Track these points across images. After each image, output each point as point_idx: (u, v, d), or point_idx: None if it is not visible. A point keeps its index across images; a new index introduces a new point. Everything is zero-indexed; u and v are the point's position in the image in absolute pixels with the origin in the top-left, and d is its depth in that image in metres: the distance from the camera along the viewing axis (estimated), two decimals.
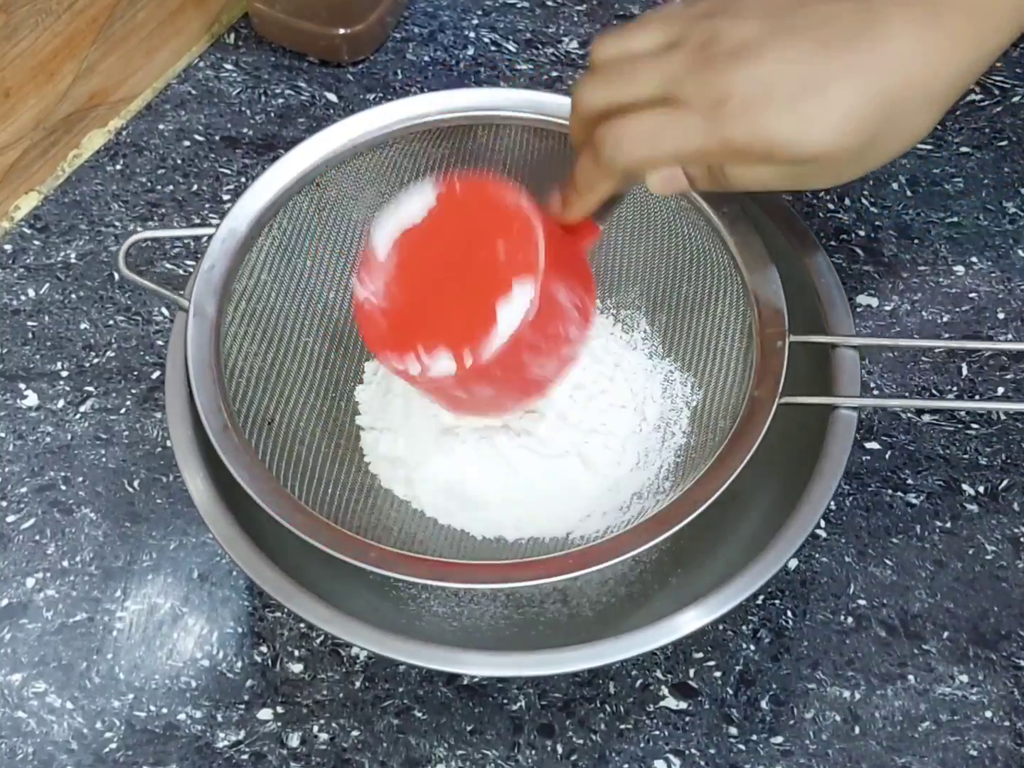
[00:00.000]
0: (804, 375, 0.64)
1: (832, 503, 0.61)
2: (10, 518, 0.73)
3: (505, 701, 0.67)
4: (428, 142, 0.71)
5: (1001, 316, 0.79)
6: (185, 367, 0.62)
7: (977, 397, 0.76)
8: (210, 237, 0.65)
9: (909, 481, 0.74)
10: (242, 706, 0.67)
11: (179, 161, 0.87)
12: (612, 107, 0.56)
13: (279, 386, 0.68)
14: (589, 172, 0.58)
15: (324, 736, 0.67)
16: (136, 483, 0.74)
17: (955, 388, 0.77)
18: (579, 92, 0.58)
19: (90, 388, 0.78)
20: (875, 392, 0.76)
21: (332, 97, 0.90)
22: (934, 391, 0.76)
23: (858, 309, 0.79)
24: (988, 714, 0.67)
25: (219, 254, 0.65)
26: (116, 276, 0.82)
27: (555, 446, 0.69)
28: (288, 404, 0.68)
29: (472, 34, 0.93)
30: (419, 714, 0.67)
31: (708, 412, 0.67)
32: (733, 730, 0.67)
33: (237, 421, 0.62)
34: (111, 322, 0.80)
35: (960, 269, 0.81)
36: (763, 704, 0.67)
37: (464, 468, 0.69)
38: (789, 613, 0.70)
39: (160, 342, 0.79)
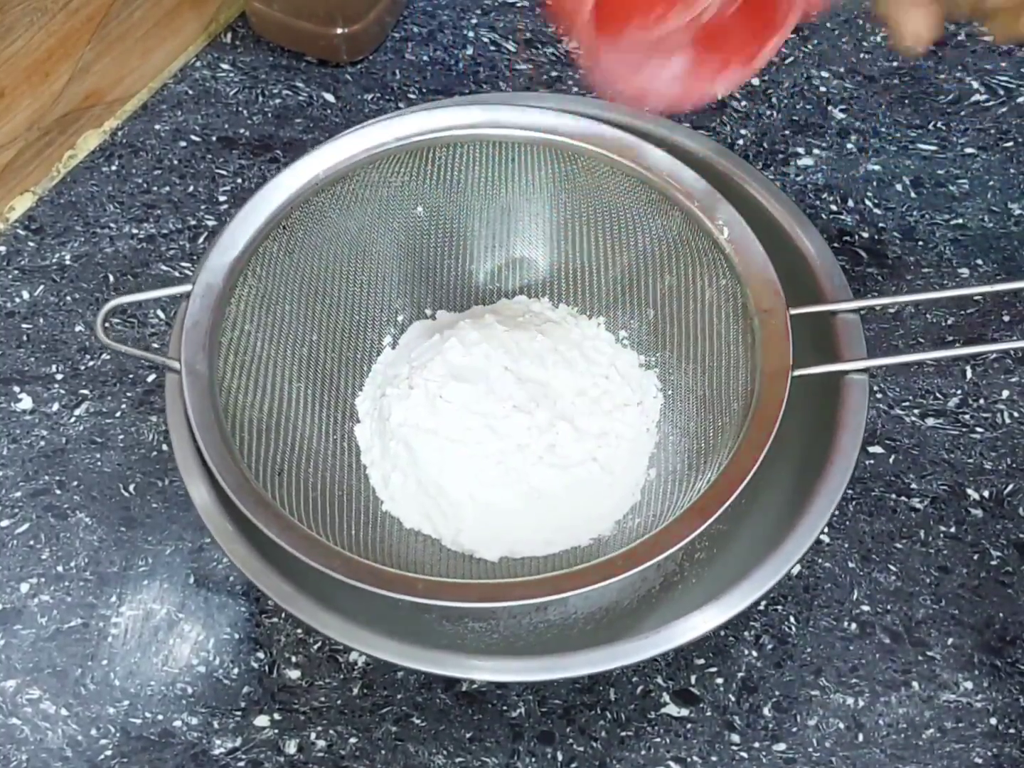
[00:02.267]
0: (807, 349, 0.64)
1: (835, 508, 0.61)
2: (4, 523, 0.73)
3: (505, 708, 0.67)
4: (386, 170, 0.70)
5: (1006, 319, 0.79)
6: (190, 430, 0.62)
7: (982, 400, 0.76)
8: (188, 295, 0.65)
9: (913, 486, 0.73)
10: (239, 713, 0.67)
11: (175, 162, 0.87)
12: None
13: (281, 435, 0.68)
14: None
15: (322, 743, 0.66)
16: (132, 487, 0.74)
17: (959, 391, 0.76)
18: None
19: (85, 391, 0.78)
20: (879, 395, 0.76)
21: (330, 97, 0.90)
22: (938, 394, 0.76)
23: (862, 312, 0.78)
24: (993, 721, 0.66)
25: (200, 310, 0.64)
26: (111, 278, 0.82)
27: (573, 456, 0.70)
28: (294, 452, 0.68)
29: (471, 33, 0.93)
30: (418, 721, 0.67)
31: (717, 398, 0.67)
32: (735, 737, 0.66)
33: (250, 475, 0.61)
34: (106, 324, 0.79)
35: (965, 271, 0.81)
36: (765, 711, 0.67)
37: (483, 497, 0.69)
38: (792, 619, 0.70)
39: (156, 345, 0.79)
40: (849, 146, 0.87)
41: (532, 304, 0.77)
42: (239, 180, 0.86)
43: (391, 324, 0.77)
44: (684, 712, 0.67)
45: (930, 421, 0.76)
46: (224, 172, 0.87)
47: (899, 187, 0.85)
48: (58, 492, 0.74)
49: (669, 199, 0.68)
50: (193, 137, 0.88)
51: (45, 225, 0.84)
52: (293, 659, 0.69)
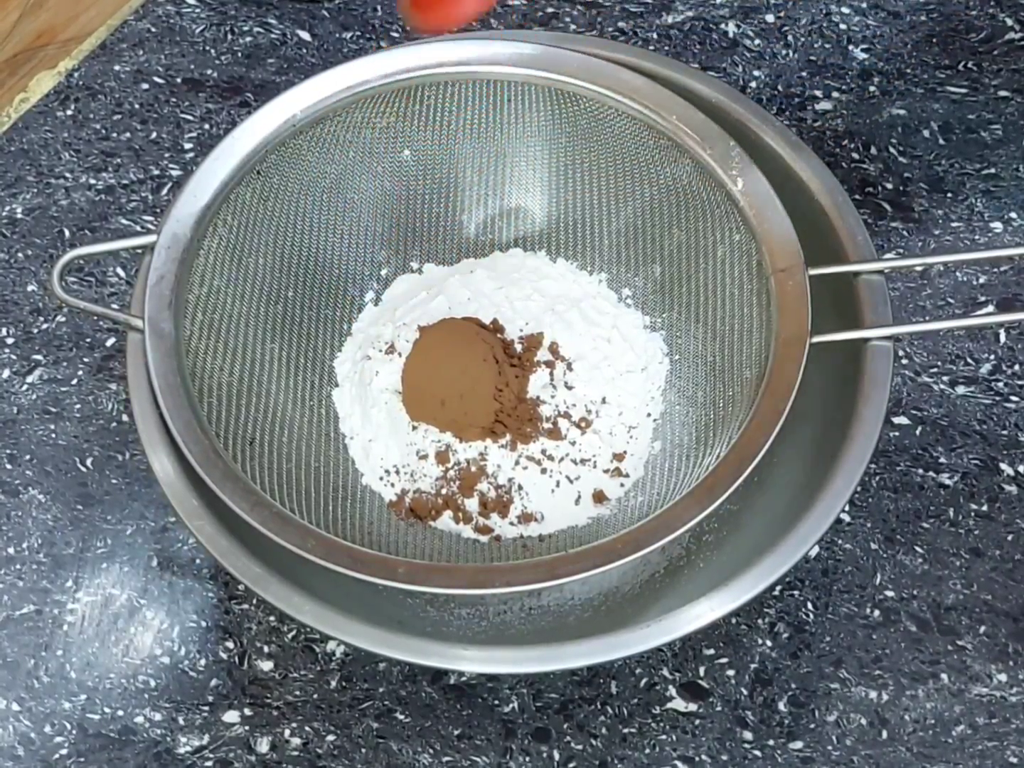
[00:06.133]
0: (827, 313, 0.63)
1: (856, 485, 0.61)
2: None
3: (496, 702, 0.66)
4: (370, 110, 0.70)
5: None
6: (153, 396, 0.61)
7: (1017, 367, 0.75)
8: (152, 246, 0.64)
9: (942, 460, 0.72)
10: (206, 708, 0.67)
11: (136, 106, 0.86)
12: None
13: (252, 401, 0.67)
14: None
15: (296, 741, 0.66)
16: (89, 461, 0.73)
17: (992, 357, 0.75)
18: None
19: (38, 356, 0.77)
20: (904, 361, 0.75)
21: (305, 36, 0.89)
22: (969, 360, 0.75)
23: (886, 272, 0.78)
24: None
25: (165, 263, 0.63)
26: (67, 233, 0.81)
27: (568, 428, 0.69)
28: (266, 419, 0.67)
29: None
30: (401, 717, 0.66)
31: (728, 365, 0.66)
32: (748, 735, 0.66)
33: (218, 445, 0.60)
34: (63, 280, 0.79)
35: (998, 226, 0.80)
36: (781, 706, 0.66)
37: None
38: (809, 605, 0.69)
39: (116, 305, 0.77)
40: (872, 89, 0.86)
41: (528, 258, 0.76)
42: (206, 126, 0.85)
43: (374, 279, 0.76)
44: (692, 707, 0.66)
45: (960, 389, 0.75)
46: (190, 117, 0.86)
47: (926, 133, 0.84)
48: (9, 467, 0.73)
49: (678, 146, 0.67)
50: (156, 79, 0.87)
51: None
52: (265, 649, 0.68)
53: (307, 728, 0.66)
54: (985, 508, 0.71)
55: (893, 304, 0.65)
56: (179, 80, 0.87)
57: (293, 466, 0.66)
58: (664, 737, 0.66)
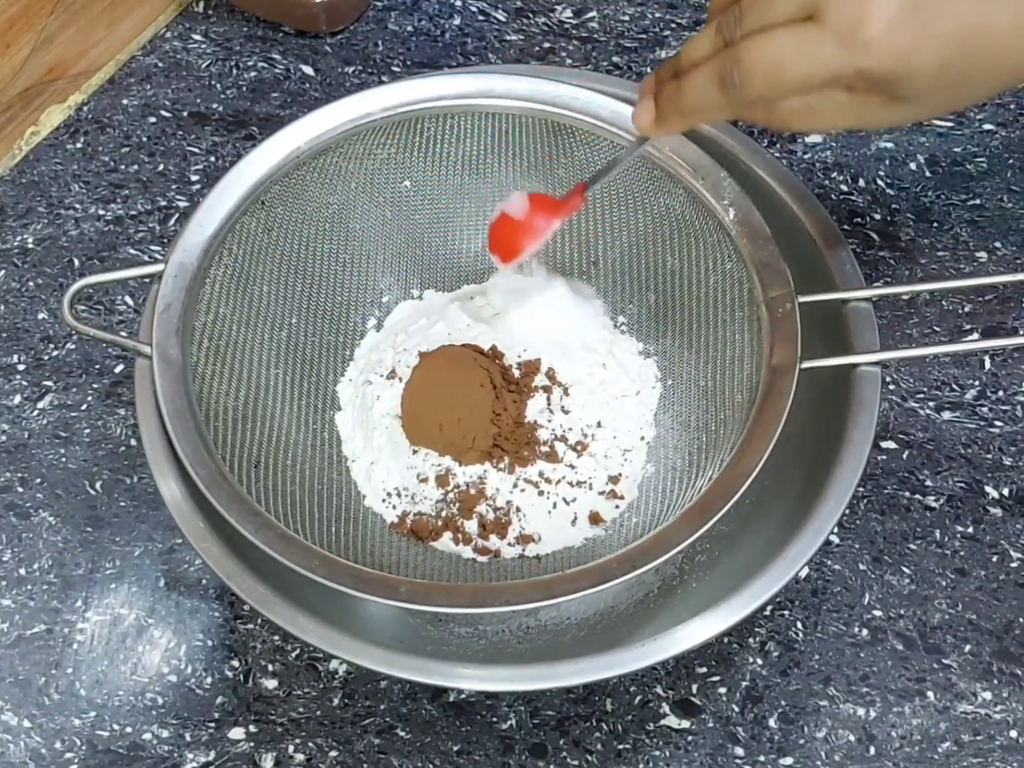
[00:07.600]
0: (816, 339, 0.64)
1: (845, 507, 0.61)
2: None
3: (494, 719, 0.67)
4: (372, 142, 0.70)
5: None
6: (160, 420, 0.61)
7: (1001, 392, 0.75)
8: (160, 275, 0.64)
9: (928, 483, 0.73)
10: (212, 725, 0.67)
11: (144, 139, 0.87)
12: (748, 27, 0.52)
13: (258, 425, 0.67)
14: (706, 93, 0.53)
15: (300, 757, 0.66)
16: (98, 485, 0.74)
17: (977, 383, 0.76)
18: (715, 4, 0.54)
19: (49, 383, 0.77)
20: (892, 387, 0.75)
21: (308, 70, 0.90)
22: (955, 386, 0.76)
23: (874, 300, 0.78)
24: (1013, 734, 0.66)
25: (172, 291, 0.64)
26: (77, 263, 0.81)
27: (562, 451, 0.70)
28: (271, 443, 0.67)
29: (459, 2, 0.93)
30: (402, 733, 0.67)
31: (721, 389, 0.67)
32: (739, 750, 0.66)
33: (224, 469, 0.61)
34: (73, 308, 0.79)
35: (983, 255, 0.80)
36: (771, 722, 0.67)
37: None
38: (799, 625, 0.69)
39: (124, 333, 0.78)
40: None
41: (527, 284, 0.76)
42: (212, 158, 0.85)
43: (375, 305, 0.76)
44: (685, 723, 0.67)
45: (946, 414, 0.75)
46: (196, 150, 0.86)
47: (913, 166, 0.84)
48: (20, 490, 0.73)
49: (672, 177, 0.68)
50: (163, 112, 0.88)
51: (6, 206, 0.84)
52: (270, 667, 0.68)
53: (310, 744, 0.66)
54: (970, 530, 0.71)
55: (881, 332, 0.65)
56: (186, 114, 0.88)
57: (297, 488, 0.66)
58: (658, 753, 0.66)
